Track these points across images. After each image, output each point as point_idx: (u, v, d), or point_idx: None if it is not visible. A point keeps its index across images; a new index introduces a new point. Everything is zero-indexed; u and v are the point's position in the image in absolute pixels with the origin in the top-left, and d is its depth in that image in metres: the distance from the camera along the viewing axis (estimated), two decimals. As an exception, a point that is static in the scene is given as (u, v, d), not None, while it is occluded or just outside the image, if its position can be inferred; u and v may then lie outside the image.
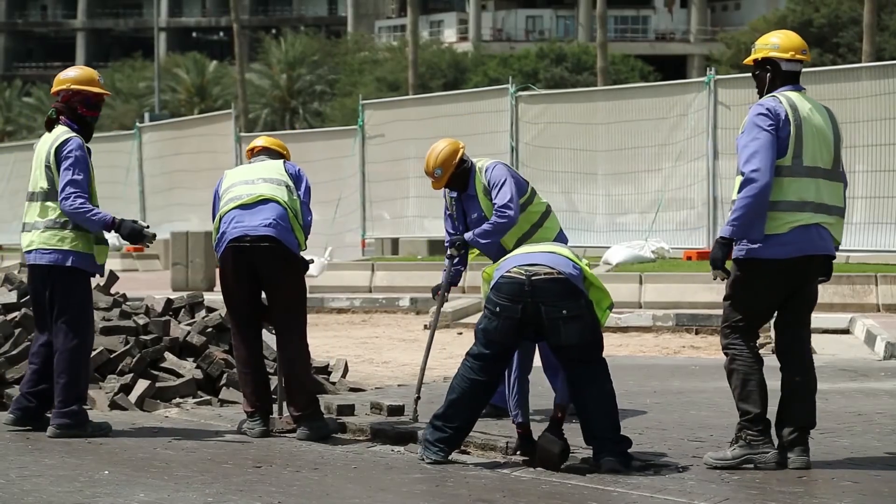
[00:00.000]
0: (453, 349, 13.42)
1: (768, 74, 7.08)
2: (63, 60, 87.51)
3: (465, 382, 7.06)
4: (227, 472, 6.96)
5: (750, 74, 7.22)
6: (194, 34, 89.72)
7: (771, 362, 7.05)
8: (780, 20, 54.43)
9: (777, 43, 7.09)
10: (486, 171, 8.47)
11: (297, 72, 67.98)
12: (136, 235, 8.06)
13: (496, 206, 8.34)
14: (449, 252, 8.59)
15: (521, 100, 21.88)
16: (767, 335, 14.23)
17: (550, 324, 6.89)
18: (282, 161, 8.36)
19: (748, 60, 7.16)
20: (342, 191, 24.12)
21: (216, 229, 8.12)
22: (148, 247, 8.64)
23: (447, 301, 8.88)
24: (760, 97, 7.09)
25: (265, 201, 8.00)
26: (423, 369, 8.65)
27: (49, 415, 8.13)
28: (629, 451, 6.97)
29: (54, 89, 8.29)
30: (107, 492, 6.46)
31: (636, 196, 20.53)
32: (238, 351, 8.20)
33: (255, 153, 8.51)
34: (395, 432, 7.92)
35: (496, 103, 22.37)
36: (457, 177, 8.46)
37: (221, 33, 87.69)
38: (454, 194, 8.60)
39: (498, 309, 6.96)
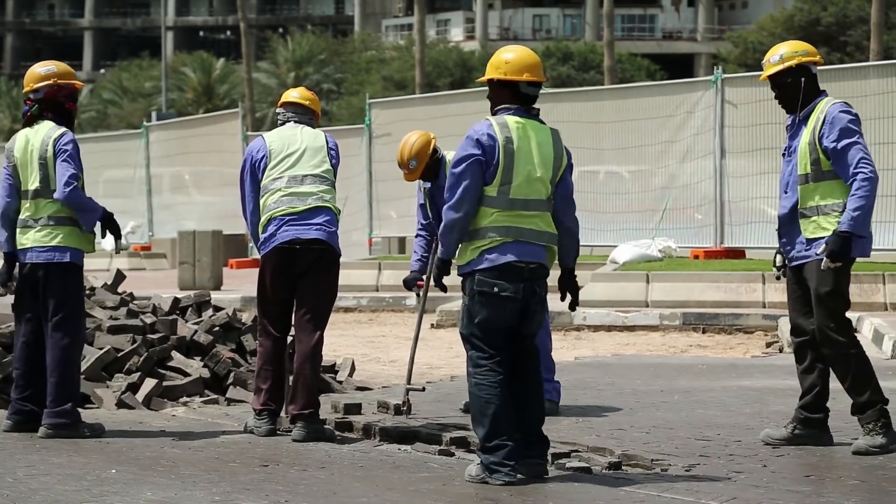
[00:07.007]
0: (460, 348, 13.37)
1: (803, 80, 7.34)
2: (71, 59, 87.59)
3: (483, 391, 6.57)
4: (234, 471, 6.97)
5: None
6: (201, 33, 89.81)
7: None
8: (788, 19, 54.36)
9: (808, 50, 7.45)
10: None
11: (304, 71, 68.03)
12: (116, 232, 8.18)
13: None
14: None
15: (528, 98, 21.84)
16: (774, 335, 14.22)
17: (533, 308, 6.65)
18: (324, 138, 8.37)
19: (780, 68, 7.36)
20: (349, 189, 24.11)
21: (263, 226, 8.07)
22: (117, 251, 8.91)
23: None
24: (789, 106, 7.37)
25: (317, 209, 8.07)
26: (411, 359, 8.76)
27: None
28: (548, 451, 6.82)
29: (34, 86, 8.20)
30: (114, 490, 6.46)
31: (643, 195, 20.50)
32: (263, 347, 8.19)
33: (288, 108, 8.40)
34: (399, 431, 7.92)
35: (503, 102, 22.31)
36: (429, 168, 8.69)
37: (228, 32, 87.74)
38: (428, 185, 8.80)
39: (496, 289, 6.56)
